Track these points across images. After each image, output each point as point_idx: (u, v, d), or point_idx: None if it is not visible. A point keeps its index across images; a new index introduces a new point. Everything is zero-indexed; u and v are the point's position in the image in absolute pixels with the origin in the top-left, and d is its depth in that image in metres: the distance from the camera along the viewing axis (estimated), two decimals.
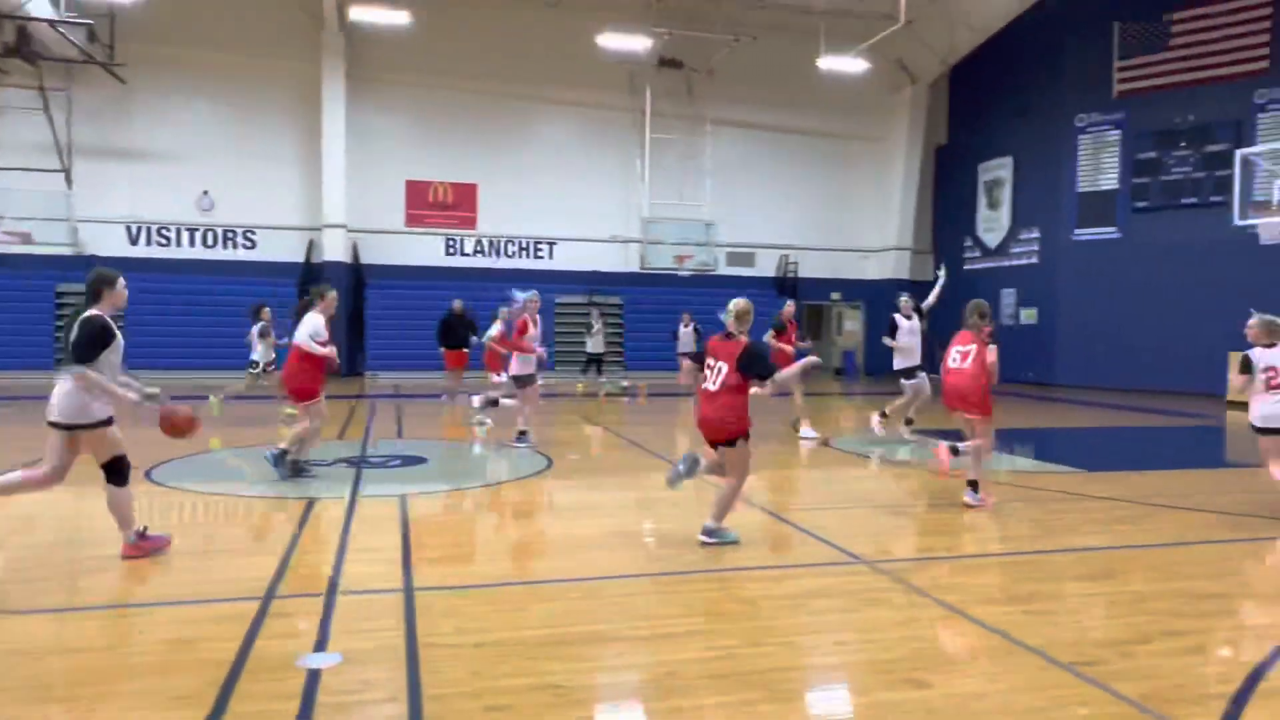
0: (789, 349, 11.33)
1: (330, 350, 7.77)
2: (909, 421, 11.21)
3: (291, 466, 7.78)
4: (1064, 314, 21.19)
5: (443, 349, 15.02)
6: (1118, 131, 20.26)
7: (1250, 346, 7.18)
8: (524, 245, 23.52)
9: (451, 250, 23.11)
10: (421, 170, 22.78)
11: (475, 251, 23.23)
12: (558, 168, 23.40)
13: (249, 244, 21.73)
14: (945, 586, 4.98)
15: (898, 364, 11.10)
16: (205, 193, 21.21)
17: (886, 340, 11.04)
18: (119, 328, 5.24)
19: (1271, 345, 7.11)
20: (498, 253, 23.36)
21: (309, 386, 7.83)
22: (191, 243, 21.37)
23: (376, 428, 12.16)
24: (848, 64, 20.21)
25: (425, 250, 22.82)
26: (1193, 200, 18.94)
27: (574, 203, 23.50)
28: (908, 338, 11.00)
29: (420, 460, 9.44)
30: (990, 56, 22.95)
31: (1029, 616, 4.49)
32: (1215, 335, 15.93)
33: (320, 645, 3.95)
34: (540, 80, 23.01)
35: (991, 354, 7.14)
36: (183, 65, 20.73)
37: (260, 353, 13.09)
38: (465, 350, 14.95)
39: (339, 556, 5.42)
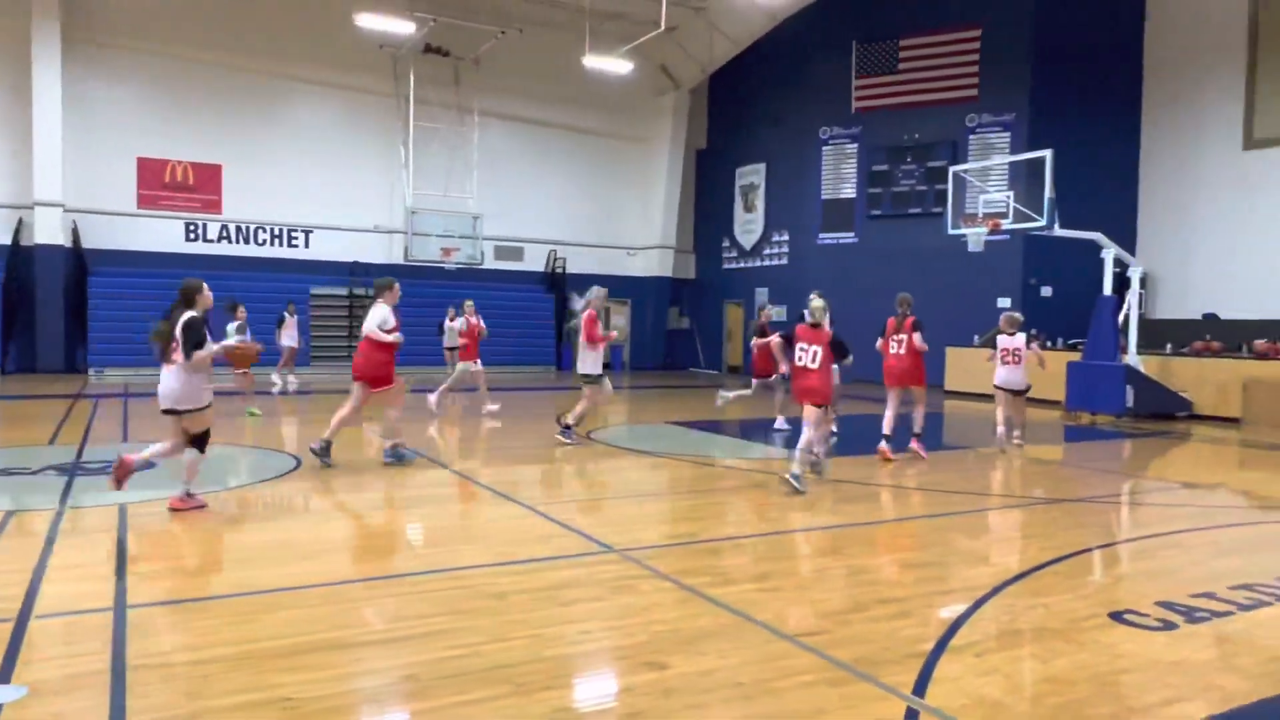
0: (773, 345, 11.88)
1: (398, 337, 8.52)
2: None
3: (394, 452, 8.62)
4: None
5: None
6: (855, 145, 22.09)
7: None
8: (276, 233, 22.09)
9: (193, 236, 21.29)
10: (157, 147, 20.80)
11: (220, 238, 21.55)
12: (315, 152, 22.18)
13: None
14: (688, 570, 5.19)
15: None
16: None
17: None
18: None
19: (1012, 334, 10.71)
20: (246, 240, 21.80)
21: (386, 373, 8.49)
22: None
23: (98, 430, 10.94)
24: (613, 64, 20.64)
25: (162, 235, 20.87)
26: (917, 210, 21.02)
27: (333, 190, 22.38)
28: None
29: (147, 466, 8.58)
30: (746, 67, 24.31)
31: (762, 594, 4.77)
32: (936, 331, 17.76)
33: (3, 678, 3.48)
34: (295, 58, 21.70)
35: (919, 340, 9.73)
36: None
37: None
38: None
39: (36, 575, 4.80)
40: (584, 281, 25.90)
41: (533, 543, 5.82)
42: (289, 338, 17.46)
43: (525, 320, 23.72)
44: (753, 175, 25.05)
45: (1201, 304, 18.85)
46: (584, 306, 10.50)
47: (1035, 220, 14.02)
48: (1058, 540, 6.26)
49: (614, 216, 26.43)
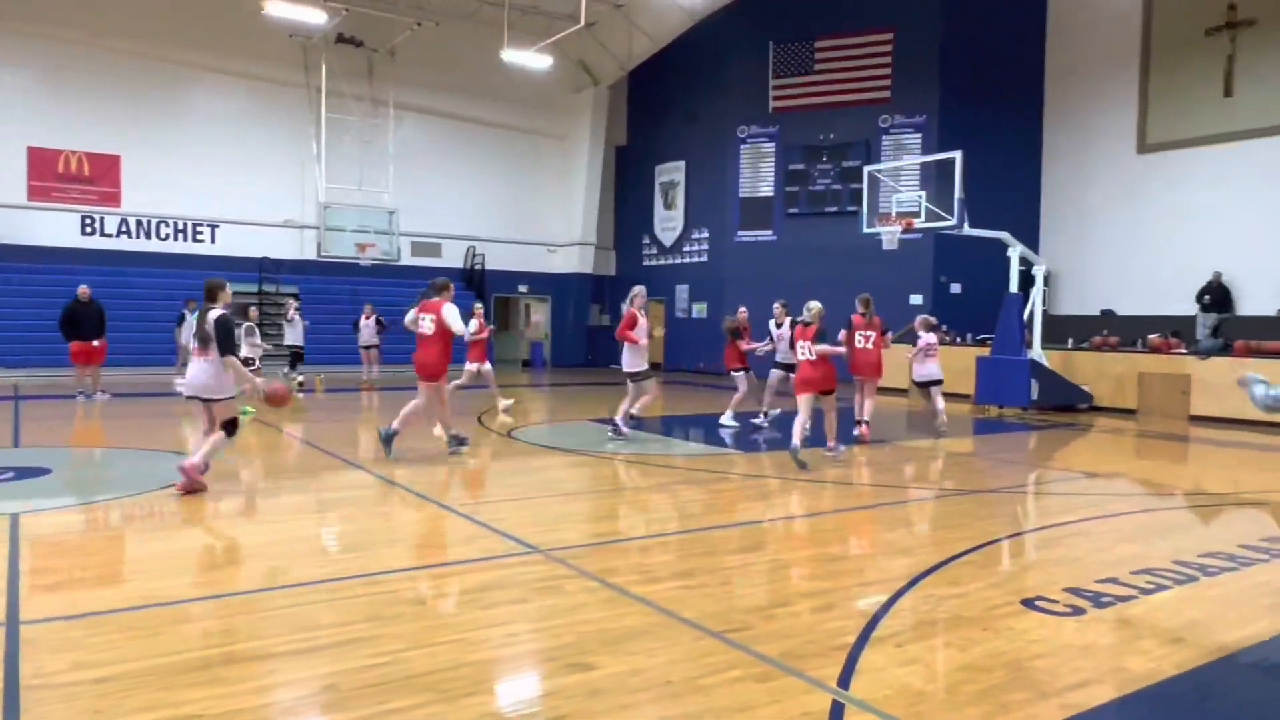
0: (744, 347, 12.89)
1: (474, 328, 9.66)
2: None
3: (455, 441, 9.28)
4: (730, 308, 22.96)
5: (69, 342, 13.47)
6: (773, 144, 22.40)
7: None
8: (180, 227, 21.25)
9: (90, 230, 20.32)
10: (49, 136, 19.78)
11: (120, 232, 20.62)
12: (221, 143, 21.41)
13: None
14: (613, 569, 5.17)
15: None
16: None
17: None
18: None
19: (930, 331, 12.16)
20: (147, 234, 20.92)
21: (444, 369, 9.09)
22: None
23: None
24: (531, 59, 20.45)
25: (55, 229, 19.86)
26: (833, 209, 21.44)
27: (241, 183, 21.63)
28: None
29: (42, 471, 8.14)
30: (665, 64, 24.40)
31: (686, 591, 4.78)
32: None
33: None
34: (200, 45, 20.90)
35: (886, 340, 11.09)
36: None
37: (248, 351, 12.92)
38: (95, 343, 13.59)
39: None
40: (504, 278, 25.70)
41: (455, 545, 5.72)
42: (190, 336, 16.85)
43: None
44: (673, 172, 25.17)
45: (1099, 300, 19.73)
46: (627, 306, 10.60)
47: (946, 219, 14.44)
48: (971, 531, 6.45)
49: (534, 213, 26.24)
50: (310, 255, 22.27)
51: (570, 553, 5.56)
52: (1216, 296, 17.49)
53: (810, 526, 6.70)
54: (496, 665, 3.84)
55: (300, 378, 17.46)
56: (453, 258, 24.88)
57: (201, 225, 21.42)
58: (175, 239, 21.15)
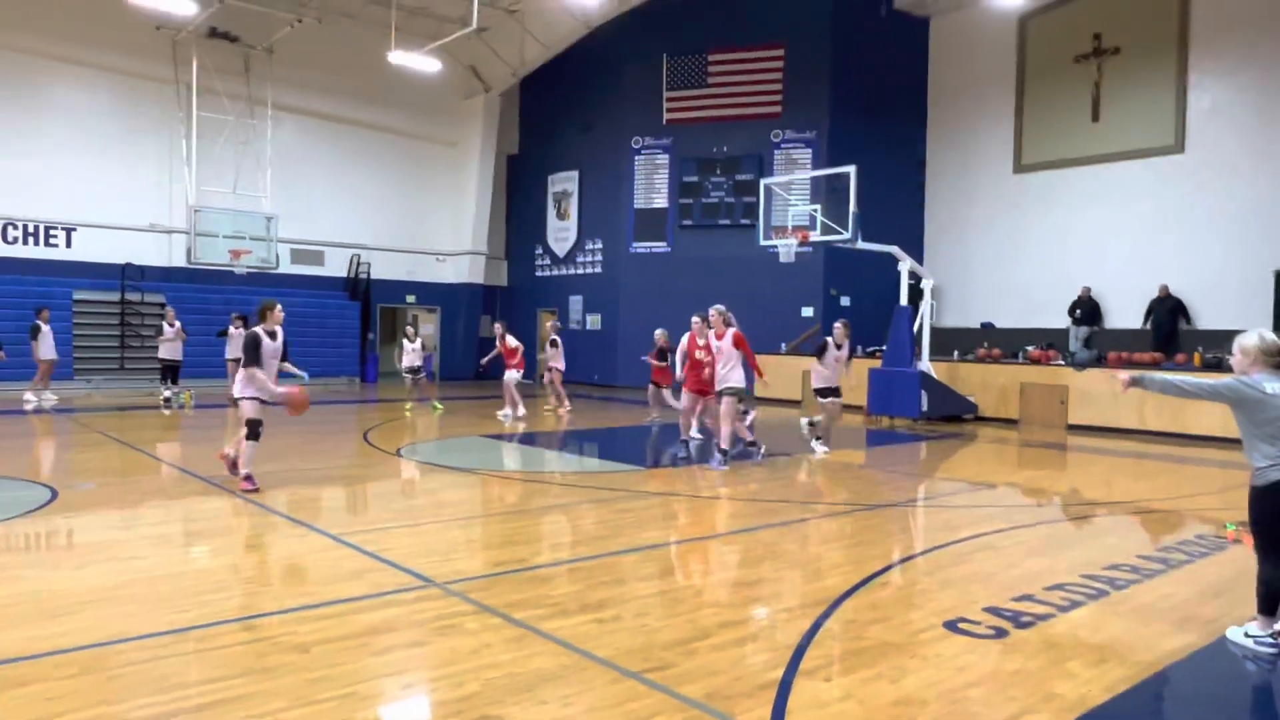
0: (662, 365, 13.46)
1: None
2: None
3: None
4: (624, 320, 22.80)
5: None
6: (667, 155, 22.34)
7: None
8: (30, 230, 19.58)
9: None
10: None
11: None
12: (78, 141, 19.86)
13: None
14: (518, 603, 4.77)
15: (817, 384, 11.41)
16: None
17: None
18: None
19: (840, 345, 11.20)
20: None
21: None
22: None
23: None
24: (419, 62, 19.75)
25: None
26: (727, 222, 21.52)
27: (100, 184, 20.11)
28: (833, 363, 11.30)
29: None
30: (559, 73, 24.05)
31: (599, 626, 4.44)
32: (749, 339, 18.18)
33: None
34: (54, 35, 19.35)
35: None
36: None
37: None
38: None
39: None
40: (390, 288, 24.76)
41: (340, 580, 5.20)
42: (49, 349, 15.54)
43: (326, 329, 22.21)
44: (566, 182, 24.82)
45: (980, 314, 20.44)
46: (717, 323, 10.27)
47: (840, 233, 14.60)
48: (880, 548, 6.35)
49: (422, 221, 25.41)
50: (179, 261, 20.87)
51: (469, 585, 5.14)
52: (1086, 310, 18.35)
53: (718, 548, 6.46)
54: None
55: (167, 393, 16.31)
56: (336, 266, 23.81)
57: (55, 228, 19.77)
58: (25, 242, 19.43)
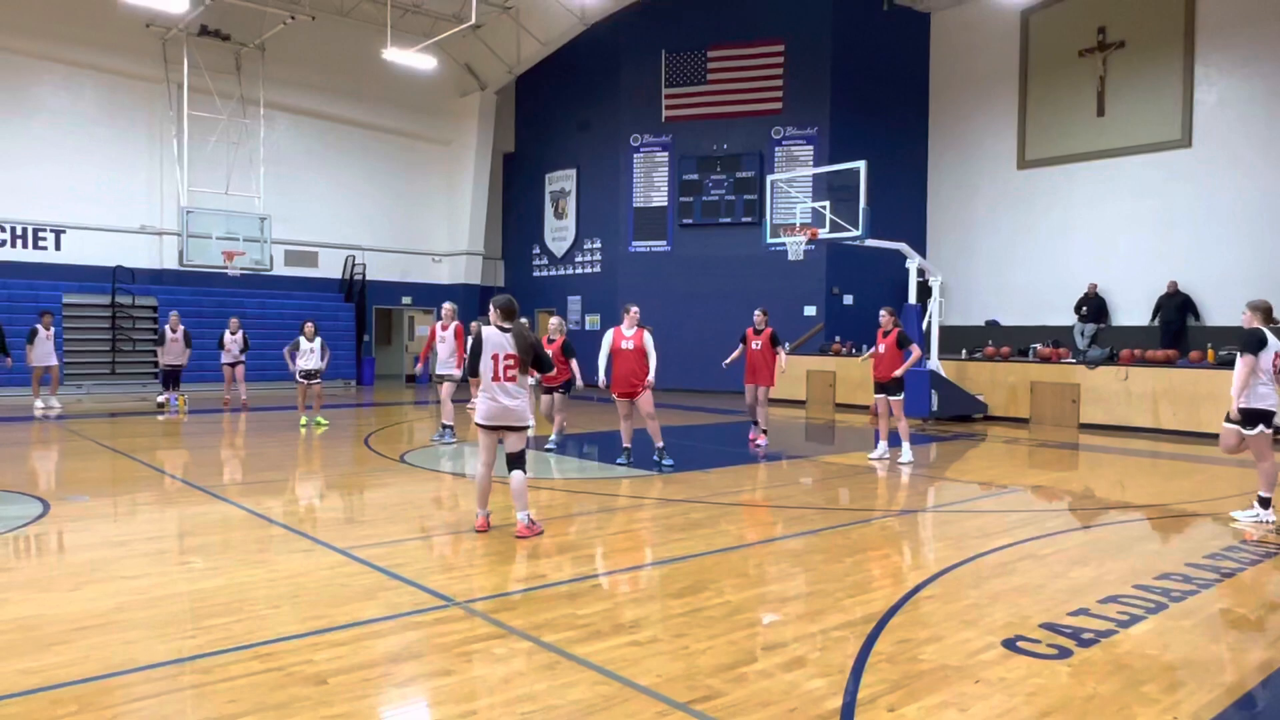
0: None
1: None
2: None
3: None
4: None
5: None
6: (666, 153, 22.05)
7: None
8: (19, 232, 19.21)
9: None
10: None
11: None
12: (68, 142, 19.49)
13: None
14: (546, 624, 4.47)
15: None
16: None
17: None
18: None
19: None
20: None
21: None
22: None
23: None
24: (414, 59, 19.40)
25: None
26: (727, 219, 21.24)
27: (90, 185, 19.74)
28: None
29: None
30: (556, 70, 23.74)
31: (637, 649, 4.14)
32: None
33: None
34: (43, 34, 18.98)
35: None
36: None
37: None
38: None
39: None
40: (386, 289, 24.40)
41: (354, 600, 4.88)
42: (42, 355, 15.29)
43: (321, 331, 21.78)
44: (563, 181, 24.50)
45: (983, 311, 20.21)
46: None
47: (849, 230, 14.33)
48: (916, 558, 6.07)
49: (418, 221, 25.07)
50: (171, 264, 20.49)
51: (491, 604, 4.83)
52: (1093, 307, 18.13)
53: (747, 559, 6.16)
54: None
55: (160, 398, 15.96)
56: (330, 268, 23.46)
57: (44, 230, 19.38)
58: (13, 245, 19.04)
